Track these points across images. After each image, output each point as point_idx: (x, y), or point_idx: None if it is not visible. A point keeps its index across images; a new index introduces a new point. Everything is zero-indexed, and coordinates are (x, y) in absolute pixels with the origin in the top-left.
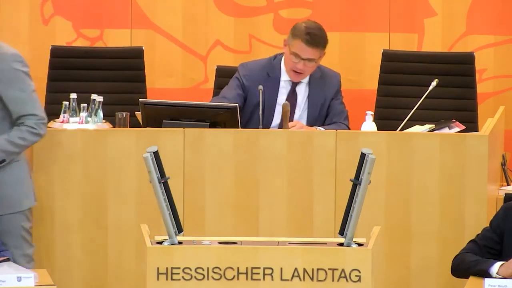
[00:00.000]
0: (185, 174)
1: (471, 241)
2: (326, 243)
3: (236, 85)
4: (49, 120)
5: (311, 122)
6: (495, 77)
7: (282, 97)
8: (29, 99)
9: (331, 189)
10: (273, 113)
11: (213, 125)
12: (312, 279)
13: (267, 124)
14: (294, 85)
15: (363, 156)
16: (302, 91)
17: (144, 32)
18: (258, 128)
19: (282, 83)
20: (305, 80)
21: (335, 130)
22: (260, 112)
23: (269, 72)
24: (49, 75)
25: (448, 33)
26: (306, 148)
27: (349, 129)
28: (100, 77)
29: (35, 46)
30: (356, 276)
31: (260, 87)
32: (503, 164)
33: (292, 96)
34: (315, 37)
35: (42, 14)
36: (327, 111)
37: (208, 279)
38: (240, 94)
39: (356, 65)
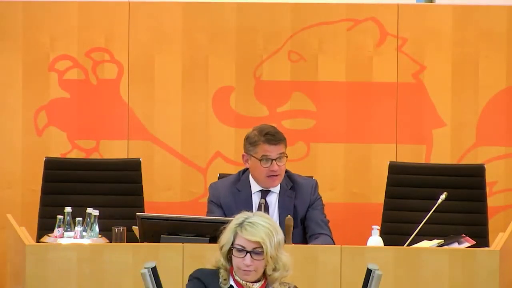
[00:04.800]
0: None
1: None
2: None
3: (214, 207)
4: (43, 235)
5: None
6: (507, 190)
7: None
8: None
9: None
10: None
11: (213, 240)
12: None
13: None
14: (264, 195)
15: (369, 272)
16: (273, 201)
17: (141, 143)
18: None
19: (254, 196)
20: (276, 189)
21: (340, 246)
22: None
23: (238, 187)
24: (43, 188)
25: (457, 144)
26: (310, 264)
27: (332, 239)
28: (95, 190)
29: (29, 157)
30: None
31: (262, 200)
32: None
33: (264, 207)
34: (275, 134)
35: (36, 125)
36: (306, 221)
37: None
38: (223, 213)
39: (362, 177)
